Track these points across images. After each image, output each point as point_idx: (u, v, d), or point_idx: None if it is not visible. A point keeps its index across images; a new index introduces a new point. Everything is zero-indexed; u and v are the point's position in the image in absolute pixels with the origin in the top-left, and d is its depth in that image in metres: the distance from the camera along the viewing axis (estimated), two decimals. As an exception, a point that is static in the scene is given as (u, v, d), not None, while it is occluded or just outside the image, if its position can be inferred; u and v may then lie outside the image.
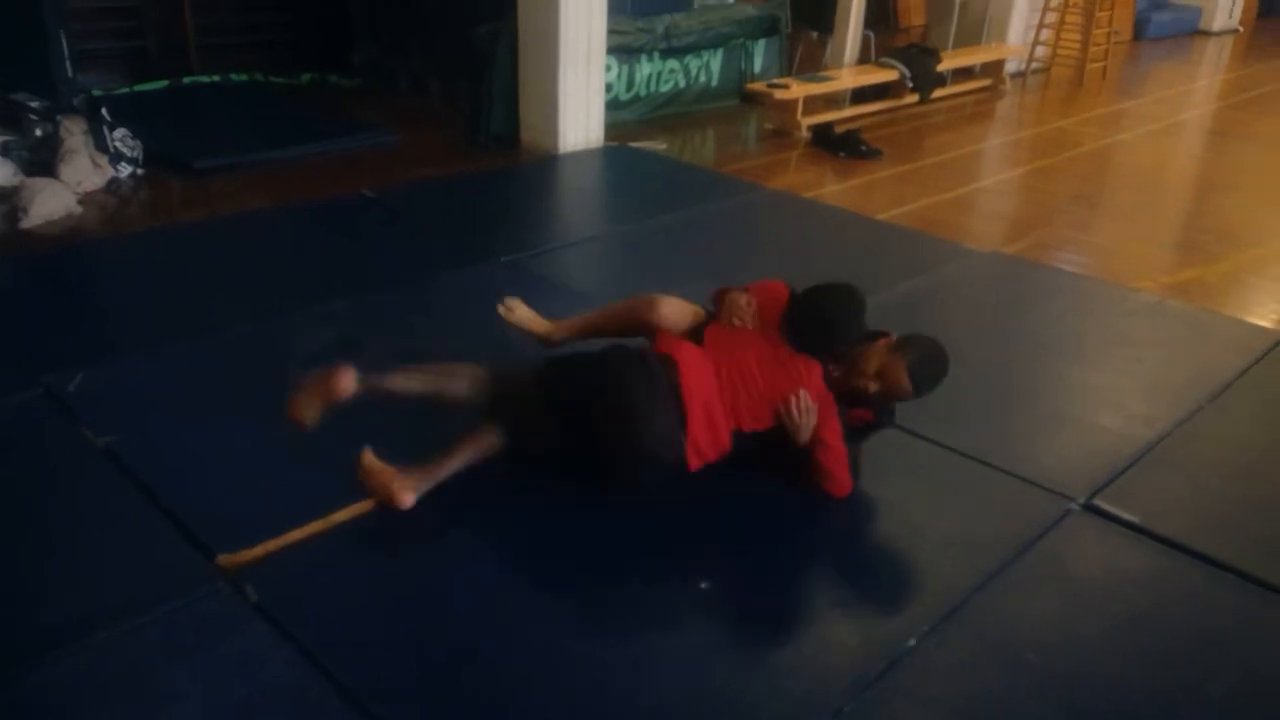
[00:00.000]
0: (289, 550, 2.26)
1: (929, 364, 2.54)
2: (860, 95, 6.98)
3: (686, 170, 5.38)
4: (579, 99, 5.38)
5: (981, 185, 5.58)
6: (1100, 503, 2.60)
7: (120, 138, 4.62)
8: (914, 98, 6.97)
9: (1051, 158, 6.12)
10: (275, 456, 2.59)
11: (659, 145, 5.76)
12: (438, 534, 2.36)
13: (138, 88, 6.00)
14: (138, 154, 4.69)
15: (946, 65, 7.23)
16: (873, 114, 6.77)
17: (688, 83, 6.52)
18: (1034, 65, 8.27)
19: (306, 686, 1.90)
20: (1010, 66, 7.98)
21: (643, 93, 6.26)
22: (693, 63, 6.51)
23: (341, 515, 2.37)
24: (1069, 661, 2.10)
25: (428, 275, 3.73)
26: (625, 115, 6.15)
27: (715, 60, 6.65)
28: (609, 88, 5.97)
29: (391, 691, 1.90)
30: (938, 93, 7.20)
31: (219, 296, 3.52)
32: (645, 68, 6.19)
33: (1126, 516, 2.54)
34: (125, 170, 4.63)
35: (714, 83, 6.67)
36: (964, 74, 7.71)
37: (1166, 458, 2.83)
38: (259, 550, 2.24)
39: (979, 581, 2.29)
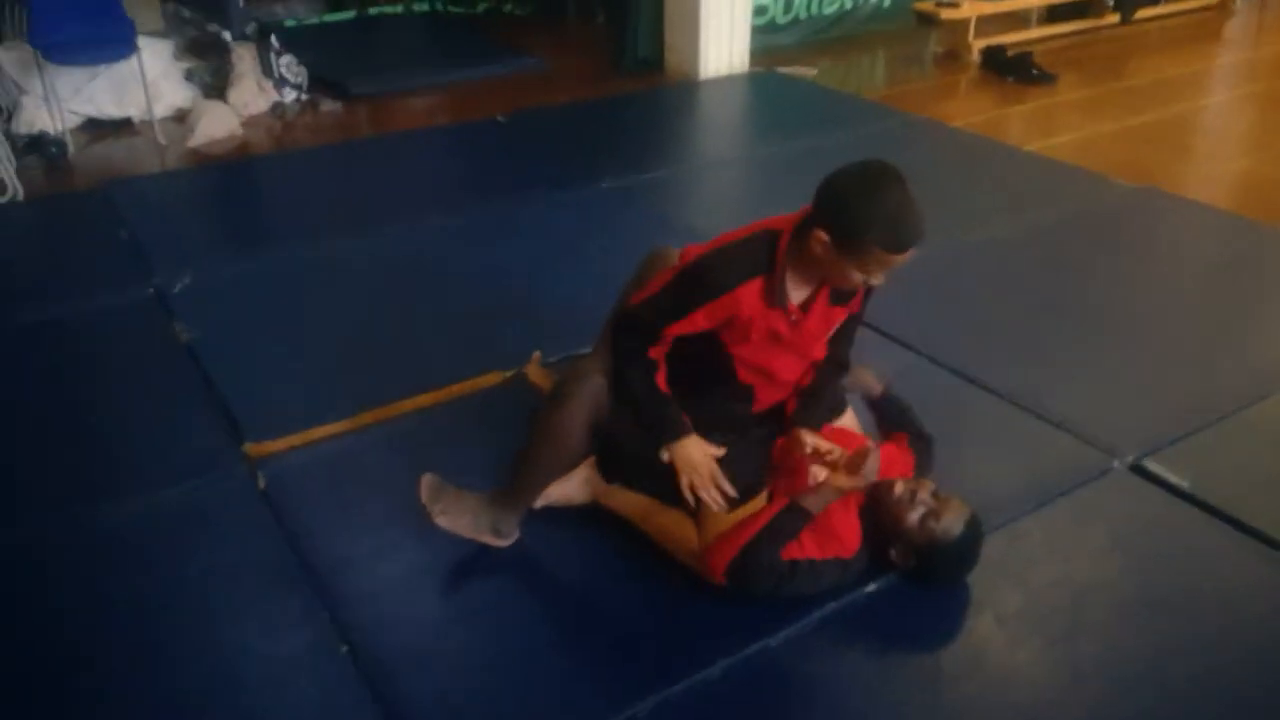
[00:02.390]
0: (312, 445, 2.45)
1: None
2: (1058, 13, 6.41)
3: (830, 97, 5.17)
4: (722, 22, 5.27)
5: (1165, 115, 5.01)
6: (1150, 464, 2.36)
7: (286, 64, 5.00)
8: (1115, 18, 6.31)
9: (1263, 83, 5.41)
10: (339, 360, 2.80)
11: (808, 71, 5.55)
12: (452, 444, 2.46)
13: (326, 18, 6.42)
14: (302, 80, 5.07)
15: (1160, -20, 6.49)
16: (1064, 35, 6.20)
17: (855, 3, 6.21)
18: (1280, -22, 7.25)
19: (283, 565, 2.08)
20: (1247, -19, 7.04)
21: (803, 15, 6.03)
22: (862, -18, 6.19)
23: (367, 418, 2.55)
24: (1053, 607, 1.99)
25: (528, 196, 3.84)
26: (783, 39, 5.96)
27: (890, -22, 6.29)
28: (764, 10, 5.81)
29: (352, 574, 2.06)
30: (1149, 13, 6.49)
31: (338, 211, 3.80)
32: (806, -11, 5.96)
33: (1173, 480, 2.31)
34: (290, 95, 5.01)
35: (886, 3, 6.32)
36: (1188, -10, 6.89)
37: (1247, 427, 2.53)
38: (283, 443, 2.45)
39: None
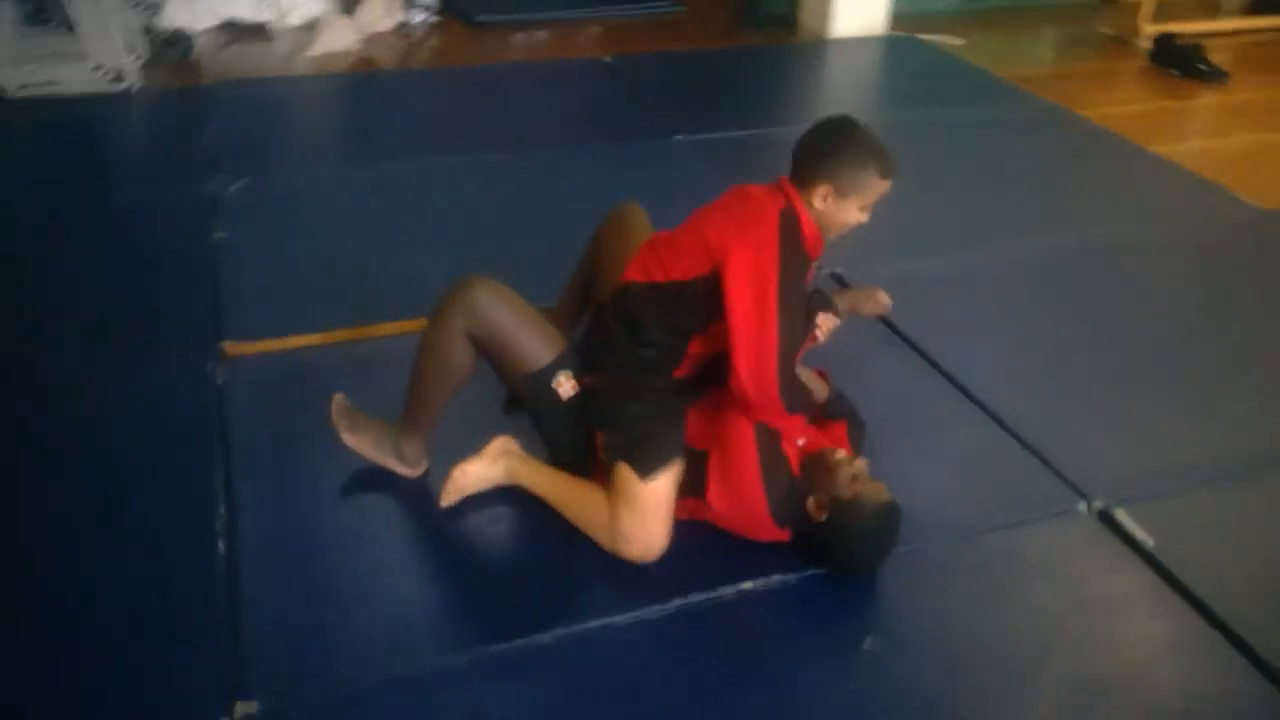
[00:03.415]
0: (288, 353, 2.55)
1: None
2: (1266, 4, 5.71)
3: (962, 70, 4.82)
4: (860, -20, 5.01)
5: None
6: (1119, 514, 2.13)
7: (416, -15, 5.13)
8: (1331, 14, 5.57)
9: None
10: (354, 276, 2.87)
11: (953, 41, 5.19)
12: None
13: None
14: (431, 2, 5.17)
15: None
16: (1266, 30, 5.53)
17: (1028, -27, 5.74)
18: None
19: (205, 461, 2.18)
20: None
21: (965, -20, 5.64)
22: (1037, -50, 5.70)
23: (344, 335, 2.63)
24: (937, 647, 1.84)
25: (592, 143, 3.81)
26: (939, 4, 5.60)
27: (1072, -51, 5.77)
28: (917, -28, 5.47)
29: (262, 481, 2.14)
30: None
31: (413, 134, 3.88)
32: (968, -48, 5.55)
33: (1137, 535, 2.07)
34: (417, 16, 5.13)
35: (1065, -24, 5.81)
36: None
37: (1250, 497, 2.24)
38: (258, 346, 2.56)
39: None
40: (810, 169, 1.96)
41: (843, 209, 1.96)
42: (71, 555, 1.96)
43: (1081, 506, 2.16)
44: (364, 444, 2.13)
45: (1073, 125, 4.20)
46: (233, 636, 1.77)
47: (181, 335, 2.60)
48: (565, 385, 2.03)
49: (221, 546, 1.96)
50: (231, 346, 2.55)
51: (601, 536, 1.97)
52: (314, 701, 1.69)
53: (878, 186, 1.96)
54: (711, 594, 1.90)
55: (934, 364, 2.61)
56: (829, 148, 1.96)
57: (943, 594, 1.97)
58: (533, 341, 2.00)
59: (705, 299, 1.92)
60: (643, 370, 2.02)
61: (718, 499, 1.95)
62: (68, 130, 3.81)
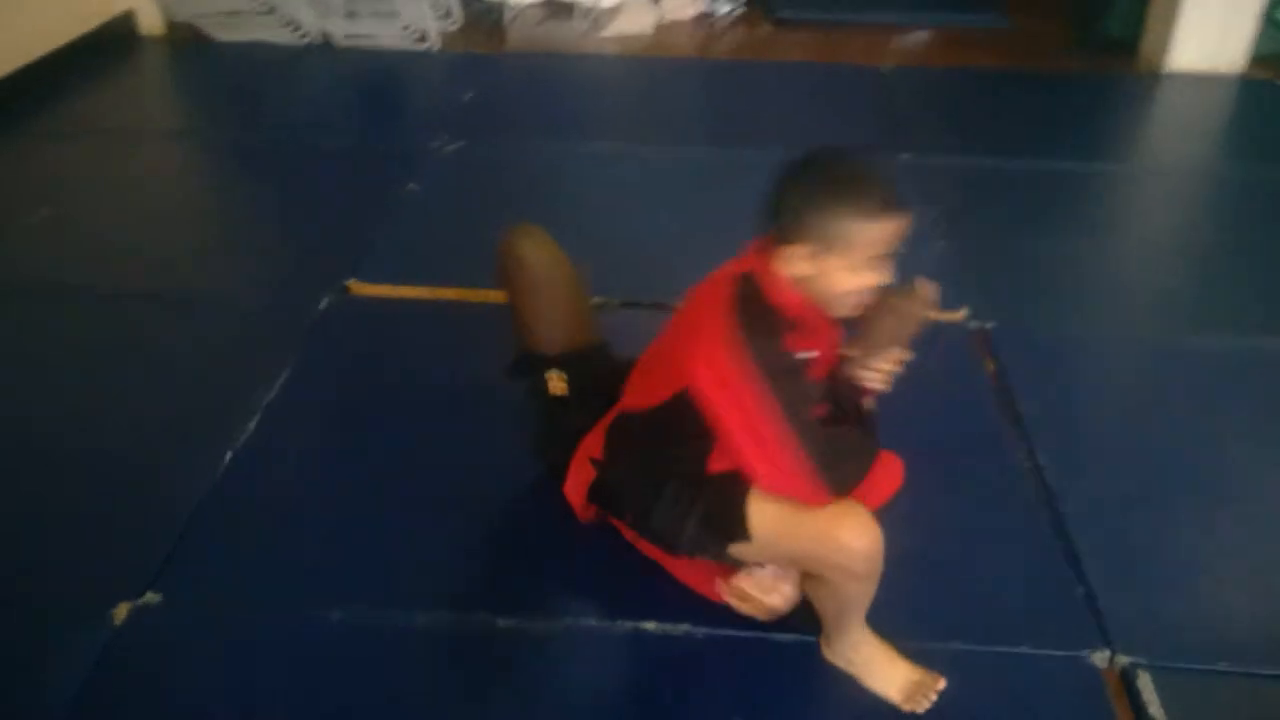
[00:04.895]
0: (394, 300, 2.74)
1: None
2: None
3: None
4: (1214, 6, 4.24)
5: None
6: (1144, 677, 1.69)
7: (726, -25, 5.15)
8: None
9: None
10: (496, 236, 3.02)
11: (1327, 90, 4.26)
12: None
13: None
14: (739, -5, 5.18)
15: None
16: None
17: None
18: None
19: (250, 387, 2.37)
20: None
21: (1378, 18, 4.55)
22: None
23: (450, 293, 2.76)
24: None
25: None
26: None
27: None
28: (1312, 4, 4.52)
29: (297, 402, 2.34)
30: None
31: (638, 120, 3.97)
32: (1393, -14, 4.46)
33: (1150, 708, 1.63)
34: (723, 8, 5.15)
35: None
36: None
37: None
38: (377, 289, 2.77)
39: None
40: (785, 226, 1.50)
41: (828, 273, 1.49)
42: (106, 418, 2.30)
43: (1100, 657, 1.74)
44: None
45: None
46: (178, 531, 1.98)
47: (324, 265, 2.86)
48: (555, 383, 1.99)
49: (228, 455, 2.18)
50: (355, 285, 2.79)
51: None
52: (210, 603, 1.84)
53: (866, 234, 1.46)
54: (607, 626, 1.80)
55: (1031, 446, 2.22)
56: (797, 195, 1.49)
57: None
58: (545, 324, 1.99)
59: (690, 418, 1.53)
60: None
61: None
62: (368, 78, 4.34)
